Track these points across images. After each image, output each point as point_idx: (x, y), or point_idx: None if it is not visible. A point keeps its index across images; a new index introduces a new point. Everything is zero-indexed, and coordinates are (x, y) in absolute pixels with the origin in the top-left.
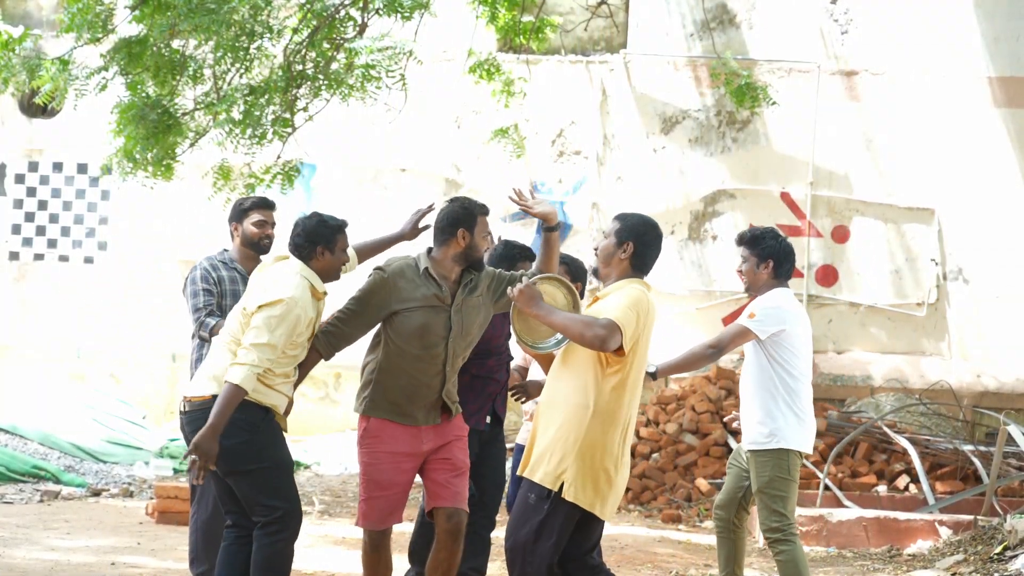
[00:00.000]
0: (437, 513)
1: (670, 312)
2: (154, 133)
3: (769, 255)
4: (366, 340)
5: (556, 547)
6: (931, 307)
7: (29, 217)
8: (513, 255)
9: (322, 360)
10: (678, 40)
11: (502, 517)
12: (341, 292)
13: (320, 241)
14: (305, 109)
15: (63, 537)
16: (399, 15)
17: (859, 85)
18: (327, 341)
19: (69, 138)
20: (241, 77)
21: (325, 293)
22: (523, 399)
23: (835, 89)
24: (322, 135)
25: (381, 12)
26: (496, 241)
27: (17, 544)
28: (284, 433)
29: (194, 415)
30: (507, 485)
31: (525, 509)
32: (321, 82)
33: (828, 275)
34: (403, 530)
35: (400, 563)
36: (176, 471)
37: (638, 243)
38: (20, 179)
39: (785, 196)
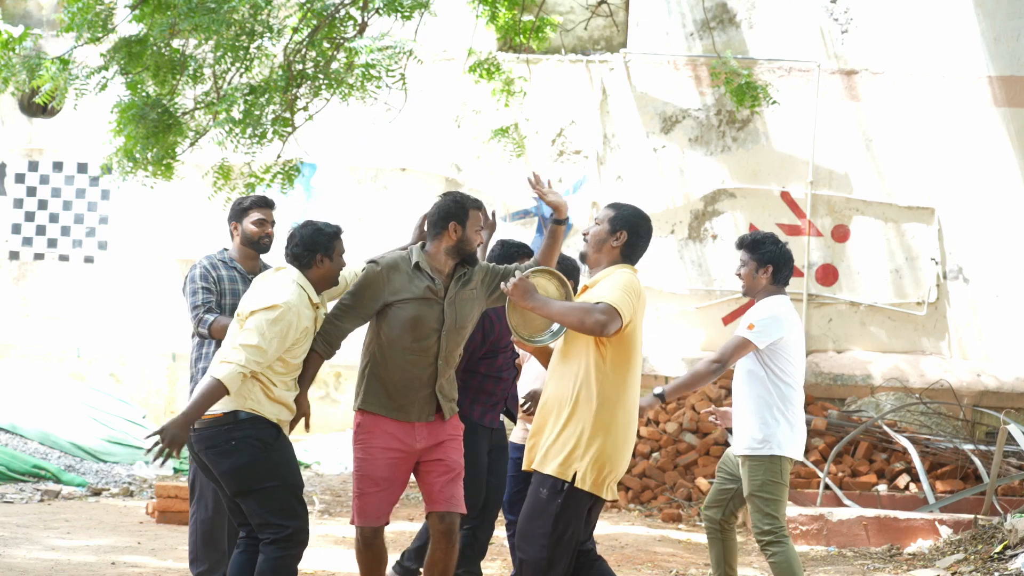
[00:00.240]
0: (431, 516)
1: (670, 311)
2: (154, 132)
3: (769, 260)
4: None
5: (574, 537)
6: (931, 306)
7: (29, 217)
8: (511, 254)
9: (324, 360)
10: (678, 39)
11: (500, 518)
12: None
13: (319, 249)
14: (305, 109)
15: (63, 537)
16: (399, 15)
17: (859, 85)
18: (324, 340)
19: (69, 138)
20: (241, 76)
21: (318, 306)
22: (534, 409)
23: (835, 89)
24: (322, 135)
25: (381, 12)
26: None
27: (17, 544)
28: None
29: (204, 433)
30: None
31: (537, 503)
32: (321, 82)
33: (828, 274)
34: (402, 529)
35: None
36: (176, 471)
37: (631, 233)
38: (20, 179)
39: (785, 195)
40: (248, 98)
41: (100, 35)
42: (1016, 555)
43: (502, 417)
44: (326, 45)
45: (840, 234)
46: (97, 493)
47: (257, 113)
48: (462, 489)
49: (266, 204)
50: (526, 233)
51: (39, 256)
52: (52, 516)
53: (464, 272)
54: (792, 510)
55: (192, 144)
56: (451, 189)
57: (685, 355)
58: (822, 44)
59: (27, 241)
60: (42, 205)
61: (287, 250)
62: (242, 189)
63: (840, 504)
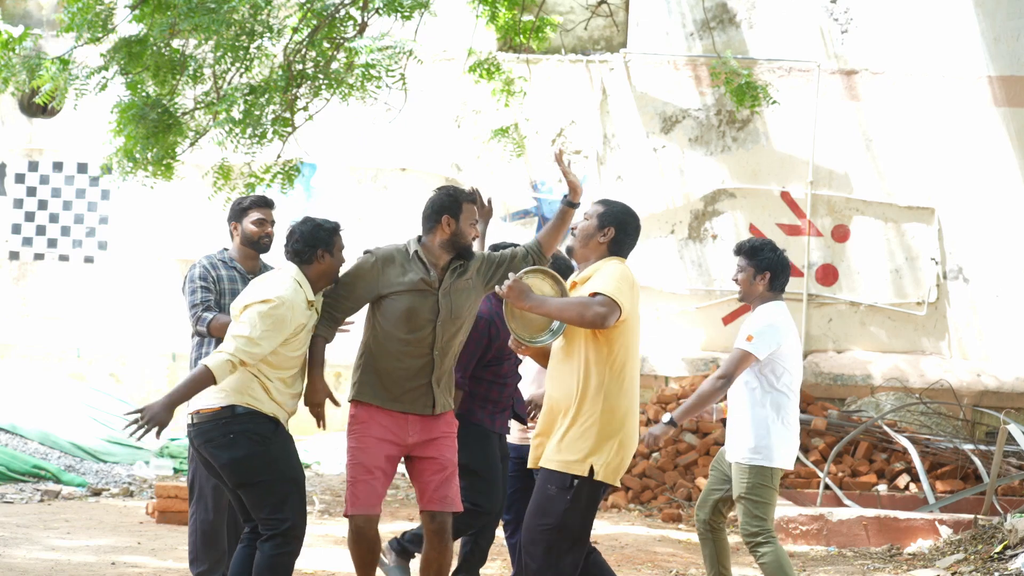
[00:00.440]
0: (423, 514)
1: (670, 311)
2: (154, 133)
3: (767, 267)
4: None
5: (586, 530)
6: (931, 306)
7: (29, 217)
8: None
9: (327, 343)
10: (678, 39)
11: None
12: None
13: (319, 244)
14: (305, 109)
15: (63, 537)
16: (399, 15)
17: (859, 85)
18: (325, 324)
19: (69, 138)
20: (241, 77)
21: (313, 304)
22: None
23: (835, 89)
24: (322, 135)
25: (381, 12)
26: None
27: (17, 544)
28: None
29: (203, 427)
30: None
31: (544, 500)
32: (321, 82)
33: (828, 274)
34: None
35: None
36: (176, 471)
37: (619, 230)
38: (20, 179)
39: (785, 195)
40: (248, 98)
41: (100, 35)
42: (1016, 555)
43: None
44: (326, 45)
45: (840, 234)
46: (97, 493)
47: (257, 113)
48: (457, 487)
49: (266, 204)
50: (526, 233)
51: (39, 256)
52: (52, 516)
53: (459, 263)
54: (792, 510)
55: (192, 144)
56: None
57: (685, 355)
58: (822, 44)
59: (27, 241)
60: (42, 205)
61: (287, 247)
62: (242, 189)
63: (840, 504)
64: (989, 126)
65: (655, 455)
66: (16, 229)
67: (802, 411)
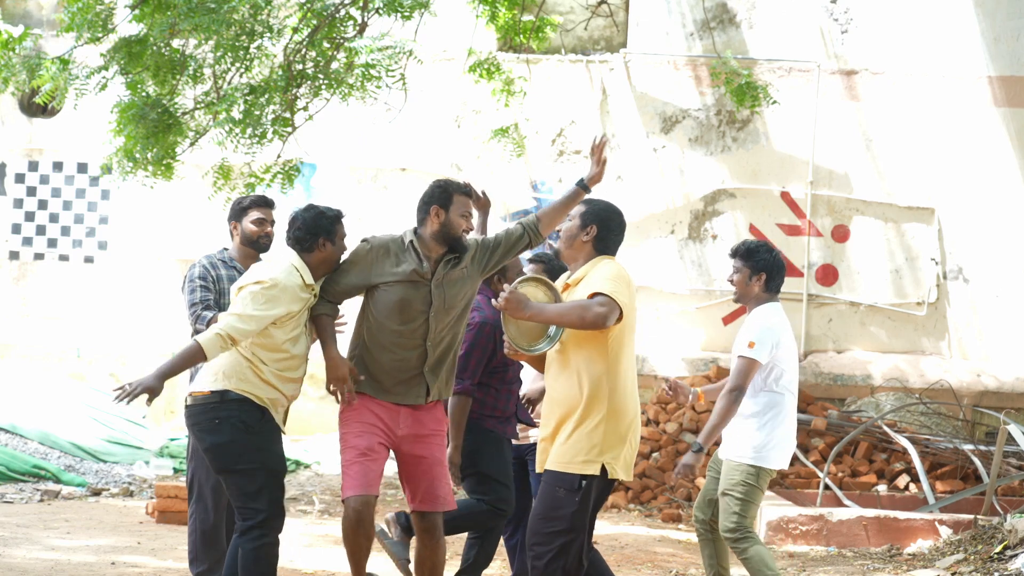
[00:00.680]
0: (412, 514)
1: (670, 311)
2: (154, 132)
3: (762, 268)
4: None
5: (589, 529)
6: (931, 306)
7: (29, 217)
8: None
9: (334, 320)
10: (678, 39)
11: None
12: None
13: (321, 232)
14: (305, 109)
15: (63, 537)
16: (399, 15)
17: (859, 85)
18: (327, 302)
19: (69, 138)
20: (241, 77)
21: (312, 287)
22: (532, 408)
23: (835, 89)
24: (322, 135)
25: (381, 12)
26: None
27: (17, 544)
28: (283, 432)
29: (193, 410)
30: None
31: (553, 502)
32: (321, 82)
33: (828, 274)
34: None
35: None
36: (176, 471)
37: (601, 227)
38: (20, 179)
39: (785, 195)
40: (248, 98)
41: (100, 35)
42: (1016, 555)
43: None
44: (326, 45)
45: (840, 234)
46: (97, 493)
47: (257, 113)
48: (447, 485)
49: (266, 204)
50: None
51: (39, 256)
52: (52, 516)
53: (453, 256)
54: (792, 510)
55: (192, 144)
56: None
57: (685, 355)
58: (822, 44)
59: (27, 241)
60: (42, 205)
61: (288, 233)
62: (242, 189)
63: (840, 504)
64: (989, 126)
65: (655, 455)
66: (16, 229)
67: (802, 411)
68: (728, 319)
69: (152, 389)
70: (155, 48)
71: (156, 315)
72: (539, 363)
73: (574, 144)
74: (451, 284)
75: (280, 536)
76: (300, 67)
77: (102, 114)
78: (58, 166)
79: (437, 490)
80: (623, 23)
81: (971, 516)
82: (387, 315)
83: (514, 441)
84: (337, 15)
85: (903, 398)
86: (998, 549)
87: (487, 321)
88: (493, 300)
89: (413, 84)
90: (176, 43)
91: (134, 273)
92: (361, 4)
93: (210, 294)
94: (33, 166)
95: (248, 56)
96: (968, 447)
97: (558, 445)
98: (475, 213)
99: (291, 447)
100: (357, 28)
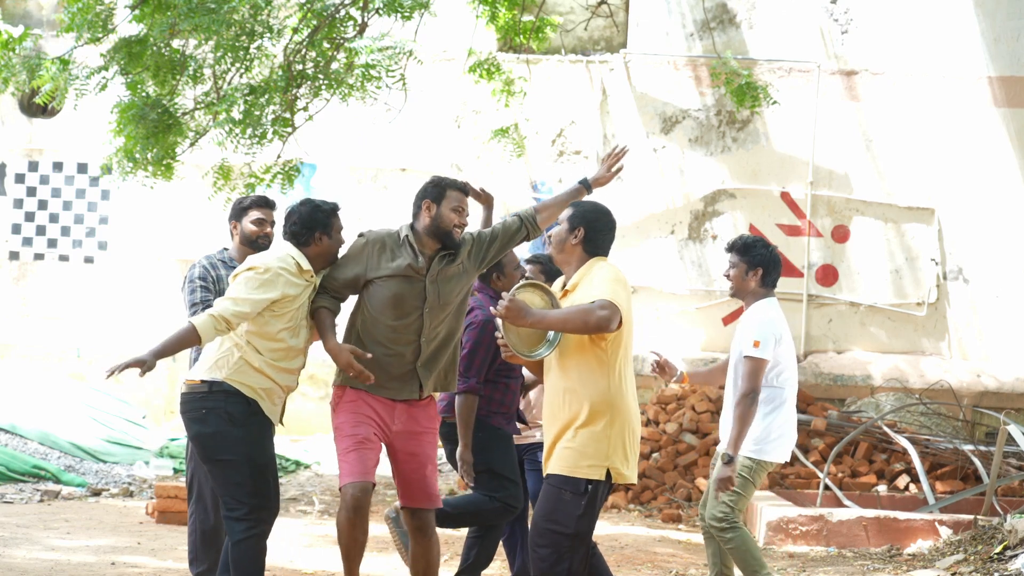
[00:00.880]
0: (404, 511)
1: (670, 311)
2: (154, 133)
3: (759, 263)
4: None
5: (591, 531)
6: (931, 307)
7: (29, 217)
8: None
9: (334, 314)
10: (678, 40)
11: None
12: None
13: (317, 226)
14: (305, 109)
15: (63, 537)
16: (399, 15)
17: (859, 85)
18: (328, 296)
19: (69, 138)
20: (241, 77)
21: (310, 273)
22: (524, 393)
23: (835, 89)
24: (322, 135)
25: (381, 12)
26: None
27: (17, 544)
28: (277, 426)
29: (184, 398)
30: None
31: (559, 504)
32: (321, 82)
33: (828, 275)
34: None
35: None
36: (176, 471)
37: (589, 228)
38: (20, 179)
39: (785, 196)
40: (248, 98)
41: (100, 35)
42: (1016, 556)
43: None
44: (326, 45)
45: (840, 234)
46: (97, 493)
47: (257, 113)
48: (437, 483)
49: (266, 204)
50: None
51: (39, 256)
52: (52, 516)
53: (448, 252)
54: (792, 511)
55: (192, 144)
56: None
57: (685, 355)
58: (822, 44)
59: (27, 241)
60: (42, 205)
61: (285, 228)
62: (242, 189)
63: (840, 505)
64: (989, 126)
65: (655, 455)
66: (16, 229)
67: (802, 411)
68: (728, 319)
69: (143, 362)
70: (155, 48)
71: (156, 315)
72: (537, 368)
73: (574, 144)
74: (446, 280)
75: (275, 533)
76: (300, 67)
77: (102, 114)
78: (58, 166)
79: (429, 488)
80: (623, 23)
81: (971, 516)
82: (381, 310)
83: (515, 439)
84: (337, 15)
85: (903, 398)
86: (998, 549)
87: (490, 319)
88: (492, 308)
89: (413, 84)
90: (176, 43)
91: (134, 273)
92: (361, 4)
93: (210, 294)
94: (33, 166)
95: (248, 56)
96: (968, 447)
97: (561, 449)
98: (479, 208)
99: (291, 447)
100: (357, 28)
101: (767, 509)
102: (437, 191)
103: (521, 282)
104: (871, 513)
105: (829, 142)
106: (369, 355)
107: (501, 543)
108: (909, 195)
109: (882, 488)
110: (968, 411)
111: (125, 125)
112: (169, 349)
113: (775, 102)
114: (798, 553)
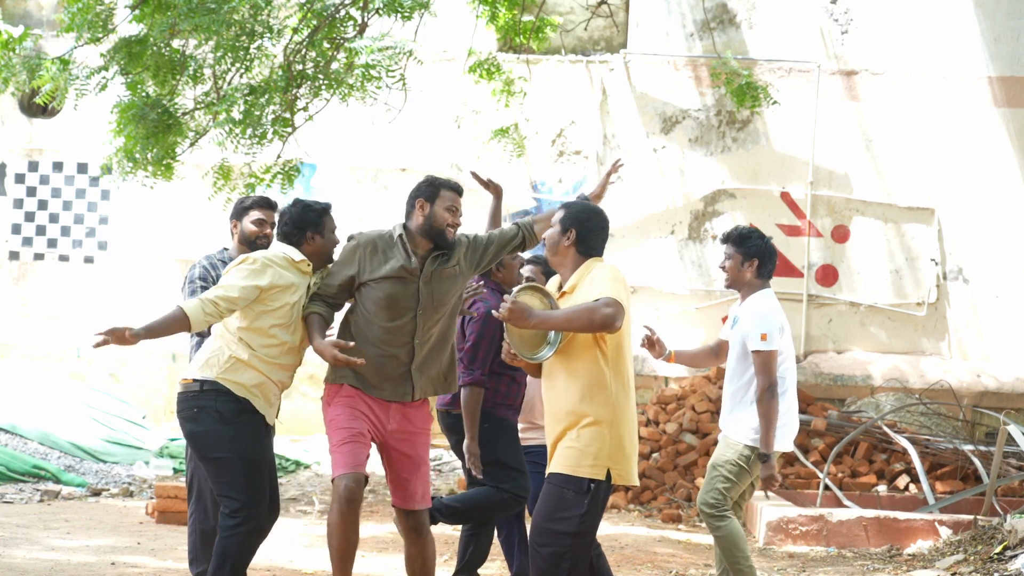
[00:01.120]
0: (398, 511)
1: (670, 311)
2: (154, 133)
3: (754, 254)
4: None
5: (594, 531)
6: (931, 307)
7: (29, 217)
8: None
9: (327, 321)
10: (678, 40)
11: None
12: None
13: (308, 226)
14: (305, 109)
15: (63, 537)
16: (399, 15)
17: (859, 85)
18: (316, 303)
19: (69, 138)
20: (241, 77)
21: (305, 263)
22: None
23: (835, 89)
24: (322, 135)
25: (381, 12)
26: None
27: (17, 544)
28: (270, 424)
29: (179, 397)
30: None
31: (561, 503)
32: (321, 82)
33: (828, 275)
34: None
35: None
36: (176, 471)
37: (581, 229)
38: (20, 179)
39: (785, 196)
40: (248, 98)
41: (100, 35)
42: (1016, 556)
43: None
44: (326, 45)
45: (840, 235)
46: (97, 493)
47: (257, 113)
48: (429, 483)
49: (268, 205)
50: None
51: (39, 256)
52: (52, 516)
53: (440, 252)
54: (792, 511)
55: (192, 144)
56: None
57: None
58: (822, 44)
59: (27, 241)
60: (42, 205)
61: (277, 229)
62: (242, 189)
63: (840, 505)
64: (989, 126)
65: (655, 455)
66: (16, 229)
67: (802, 411)
68: (727, 319)
69: (126, 330)
70: (155, 48)
71: (156, 315)
72: (535, 369)
73: (574, 144)
74: (440, 281)
75: (275, 533)
76: (300, 67)
77: (102, 114)
78: (58, 166)
79: (423, 488)
80: (623, 23)
81: (971, 516)
82: (375, 312)
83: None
84: (337, 15)
85: (903, 398)
86: (998, 549)
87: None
88: (494, 311)
89: (413, 84)
90: (176, 43)
91: (134, 273)
92: (361, 4)
93: None
94: (33, 166)
95: (248, 56)
96: (968, 447)
97: (564, 448)
98: (488, 200)
99: (291, 447)
100: (357, 28)
101: (767, 509)
102: (431, 190)
103: (520, 285)
104: (871, 513)
105: (829, 142)
106: (351, 343)
107: (500, 543)
108: (909, 195)
109: (882, 488)
110: (968, 411)
111: (125, 125)
112: (157, 329)
113: (775, 102)
114: (798, 553)
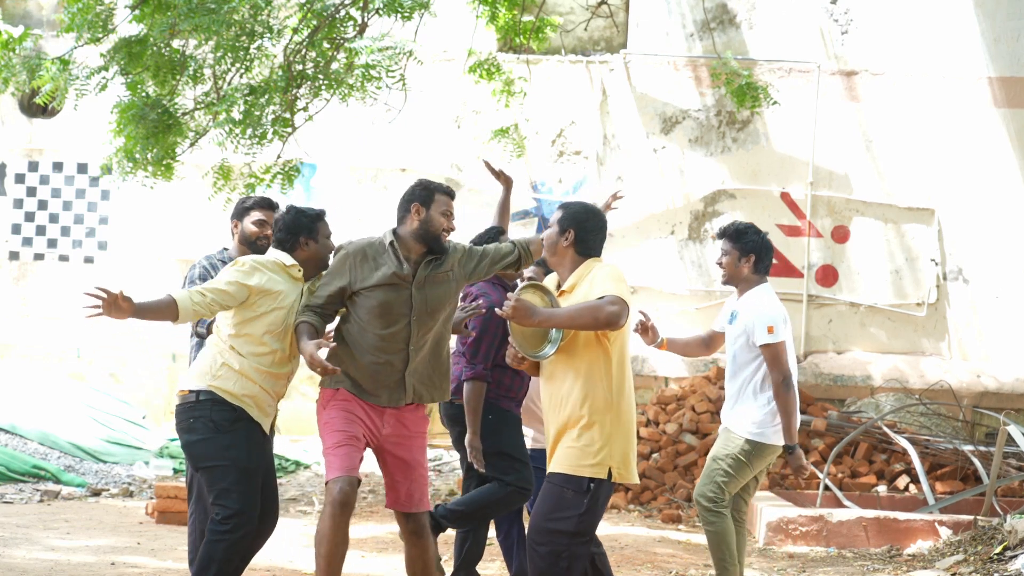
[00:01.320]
0: (398, 515)
1: (670, 311)
2: (154, 133)
3: (751, 250)
4: None
5: (593, 531)
6: (931, 307)
7: (29, 217)
8: (491, 236)
9: (316, 330)
10: (678, 40)
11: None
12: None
13: (301, 232)
14: (305, 109)
15: (63, 537)
16: (399, 15)
17: (859, 85)
18: (307, 313)
19: (69, 138)
20: (241, 77)
21: (299, 268)
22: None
23: (835, 89)
24: (322, 135)
25: (381, 12)
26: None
27: (17, 544)
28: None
29: (177, 408)
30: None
31: (560, 502)
32: (321, 82)
33: (828, 275)
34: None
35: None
36: (176, 471)
37: (578, 229)
38: (20, 179)
39: (785, 196)
40: (248, 98)
41: (100, 35)
42: (1016, 556)
43: None
44: (326, 45)
45: (840, 235)
46: (97, 493)
47: (257, 113)
48: (427, 486)
49: (269, 206)
50: (526, 233)
51: (39, 256)
52: (52, 516)
53: (434, 257)
54: (792, 511)
55: (192, 144)
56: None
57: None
58: (822, 45)
59: (27, 241)
60: (42, 205)
61: (272, 236)
62: (242, 189)
63: (840, 505)
64: (989, 126)
65: (655, 456)
66: (16, 229)
67: (802, 412)
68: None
69: (119, 296)
70: (155, 48)
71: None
72: (535, 369)
73: (574, 145)
74: (433, 287)
75: (275, 533)
76: (300, 67)
77: (102, 114)
78: (58, 166)
79: (421, 492)
80: (623, 23)
81: (971, 517)
82: (369, 320)
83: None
84: (337, 15)
85: (903, 399)
86: (998, 550)
87: (495, 306)
88: (498, 309)
89: (413, 84)
90: (176, 43)
91: (134, 273)
92: (361, 4)
93: None
94: (33, 166)
95: (248, 56)
96: (968, 448)
97: (564, 448)
98: (499, 190)
99: (291, 447)
100: (357, 28)
101: (767, 509)
102: (426, 195)
103: (525, 283)
104: (871, 513)
105: (829, 142)
106: (333, 343)
107: (499, 544)
108: (909, 195)
109: (882, 488)
110: (968, 411)
111: (125, 125)
112: (147, 310)
113: (775, 102)
114: (798, 553)
